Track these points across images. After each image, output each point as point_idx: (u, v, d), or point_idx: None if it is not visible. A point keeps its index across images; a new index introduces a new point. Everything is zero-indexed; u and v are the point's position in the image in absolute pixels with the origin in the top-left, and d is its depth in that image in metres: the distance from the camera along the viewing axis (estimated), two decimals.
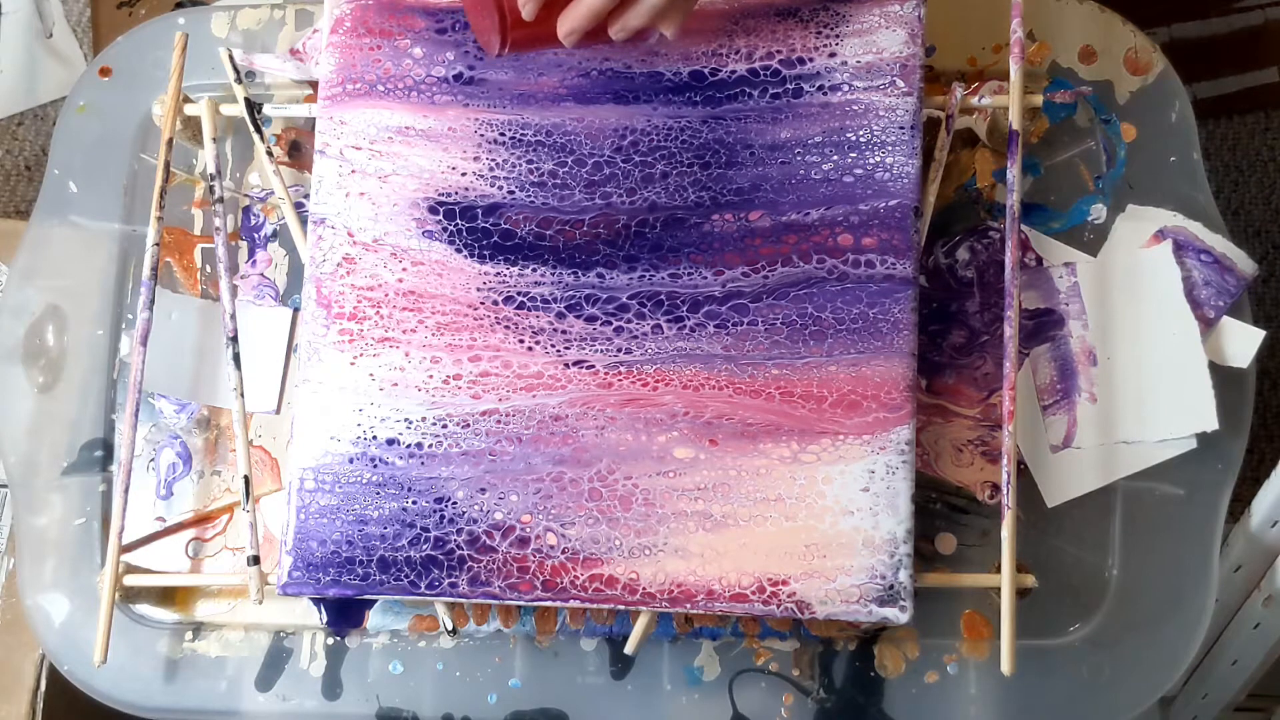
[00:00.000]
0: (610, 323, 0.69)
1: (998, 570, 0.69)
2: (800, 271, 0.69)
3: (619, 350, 0.69)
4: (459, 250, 0.71)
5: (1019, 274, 0.71)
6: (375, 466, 0.69)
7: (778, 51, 0.72)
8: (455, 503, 0.68)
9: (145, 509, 0.76)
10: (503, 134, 0.72)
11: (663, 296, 0.70)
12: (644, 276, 0.70)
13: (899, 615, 0.66)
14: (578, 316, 0.70)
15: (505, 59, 0.72)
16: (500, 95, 0.72)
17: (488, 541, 0.68)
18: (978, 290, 0.75)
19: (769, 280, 0.69)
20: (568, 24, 0.64)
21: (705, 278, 0.70)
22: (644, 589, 0.67)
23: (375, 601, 0.74)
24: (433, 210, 0.71)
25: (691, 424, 0.68)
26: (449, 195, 0.71)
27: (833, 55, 0.71)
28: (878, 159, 0.70)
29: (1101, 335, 0.74)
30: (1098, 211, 0.76)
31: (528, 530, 0.68)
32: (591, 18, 0.64)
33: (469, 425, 0.69)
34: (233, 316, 0.75)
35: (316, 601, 0.74)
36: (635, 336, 0.69)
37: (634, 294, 0.70)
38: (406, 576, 0.68)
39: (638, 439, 0.68)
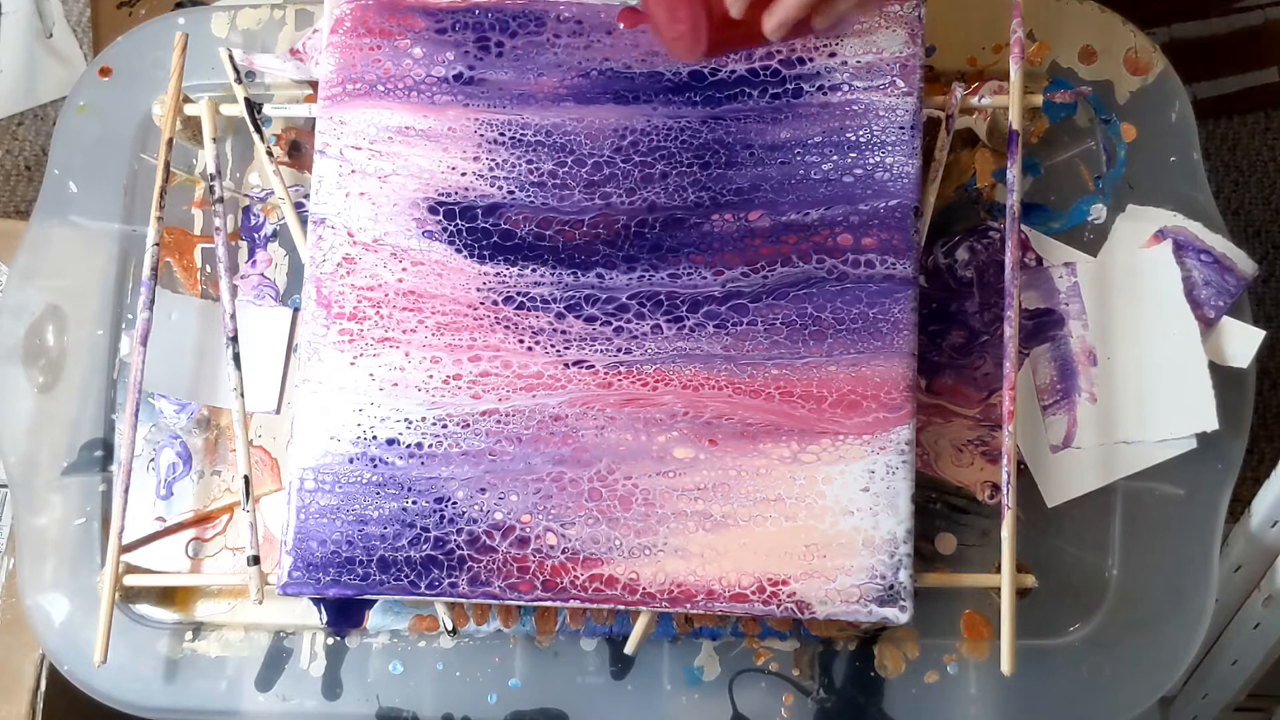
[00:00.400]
0: (610, 323, 0.69)
1: (998, 570, 0.69)
2: (800, 271, 0.69)
3: (619, 350, 0.69)
4: (459, 250, 0.71)
5: (1019, 274, 0.71)
6: (375, 466, 0.69)
7: (777, 51, 0.71)
8: (455, 503, 0.68)
9: (145, 509, 0.76)
10: (502, 134, 0.72)
11: (662, 296, 0.70)
12: (643, 277, 0.70)
13: (899, 615, 0.66)
14: (577, 317, 0.70)
15: (505, 60, 0.72)
16: (500, 95, 0.72)
17: (488, 541, 0.68)
18: (977, 290, 0.75)
19: (768, 280, 0.69)
20: (777, 17, 0.61)
21: (705, 278, 0.70)
22: (644, 589, 0.67)
23: (375, 601, 0.74)
24: (433, 210, 0.71)
25: (691, 424, 0.68)
26: (449, 195, 0.71)
27: (833, 55, 0.71)
28: (877, 159, 0.70)
29: (1101, 335, 0.74)
30: (1098, 211, 0.76)
31: (528, 530, 0.68)
32: (801, 8, 0.61)
33: (469, 425, 0.69)
34: (233, 316, 0.75)
35: (316, 601, 0.74)
36: (635, 336, 0.69)
37: (633, 294, 0.70)
38: (406, 576, 0.68)
39: (637, 439, 0.68)
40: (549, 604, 0.68)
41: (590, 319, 0.69)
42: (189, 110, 0.78)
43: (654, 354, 0.69)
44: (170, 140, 0.76)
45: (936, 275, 0.75)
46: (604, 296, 0.70)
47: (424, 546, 0.68)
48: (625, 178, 0.71)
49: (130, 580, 0.73)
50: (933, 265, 0.75)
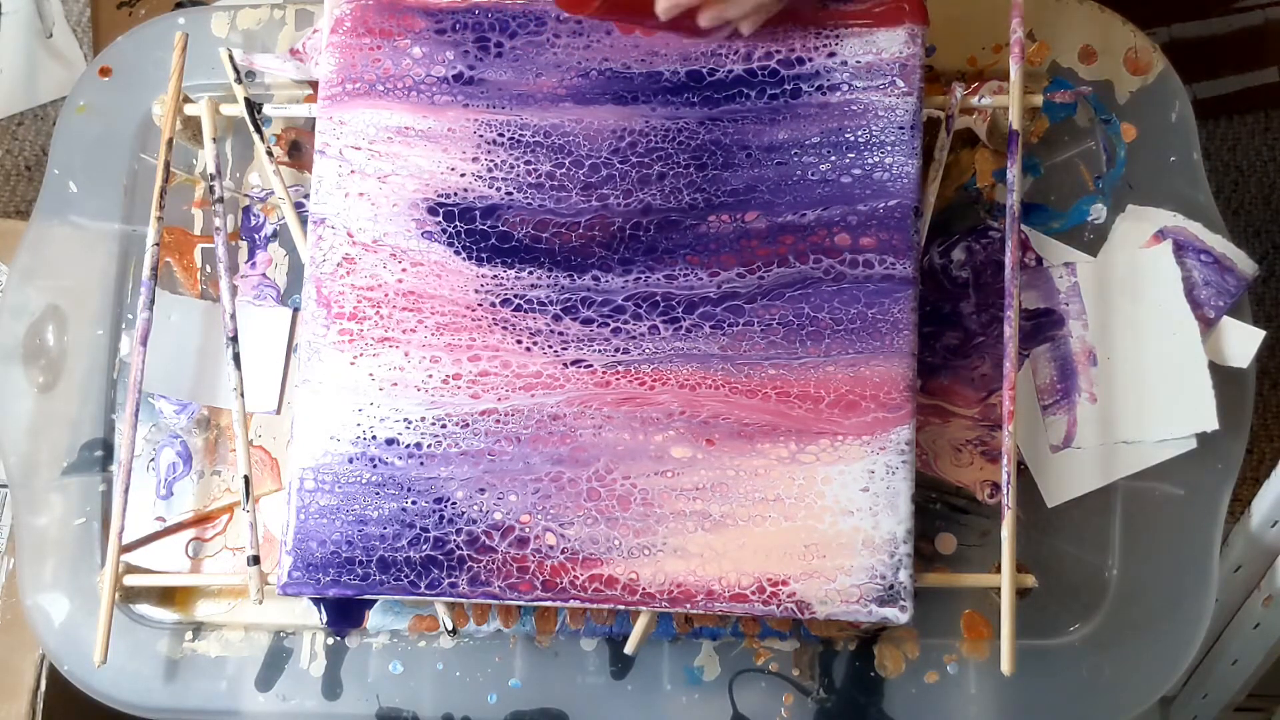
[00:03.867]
0: (607, 324, 0.69)
1: (998, 570, 0.69)
2: (796, 272, 0.69)
3: (616, 350, 0.69)
4: (457, 252, 0.71)
5: (1019, 274, 0.71)
6: (375, 466, 0.69)
7: (777, 51, 0.71)
8: (454, 503, 0.68)
9: (145, 509, 0.76)
10: (501, 134, 0.72)
11: (658, 298, 0.69)
12: (639, 279, 0.70)
13: (899, 615, 0.66)
14: (574, 319, 0.70)
15: (505, 60, 0.72)
16: (500, 95, 0.72)
17: (487, 541, 0.68)
18: (973, 291, 0.75)
19: (764, 281, 0.69)
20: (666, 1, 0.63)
21: (701, 279, 0.70)
22: (644, 589, 0.67)
23: (375, 601, 0.74)
24: (432, 211, 0.71)
25: (688, 423, 0.68)
26: (448, 196, 0.71)
27: (832, 55, 0.71)
28: (876, 159, 0.70)
29: (1101, 335, 0.73)
30: (1098, 211, 0.76)
31: (527, 530, 0.68)
32: None
33: (468, 425, 0.69)
34: (233, 316, 0.75)
35: (316, 601, 0.74)
36: (633, 337, 0.69)
37: (629, 296, 0.70)
38: (406, 576, 0.68)
39: (635, 438, 0.68)
40: (549, 604, 0.68)
41: (587, 321, 0.69)
42: (189, 110, 0.78)
43: (651, 354, 0.69)
44: (170, 140, 0.76)
45: (931, 276, 0.75)
46: (600, 299, 0.70)
47: (424, 547, 0.68)
48: (622, 179, 0.71)
49: (130, 580, 0.74)
50: (928, 266, 0.75)
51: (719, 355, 0.69)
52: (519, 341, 0.70)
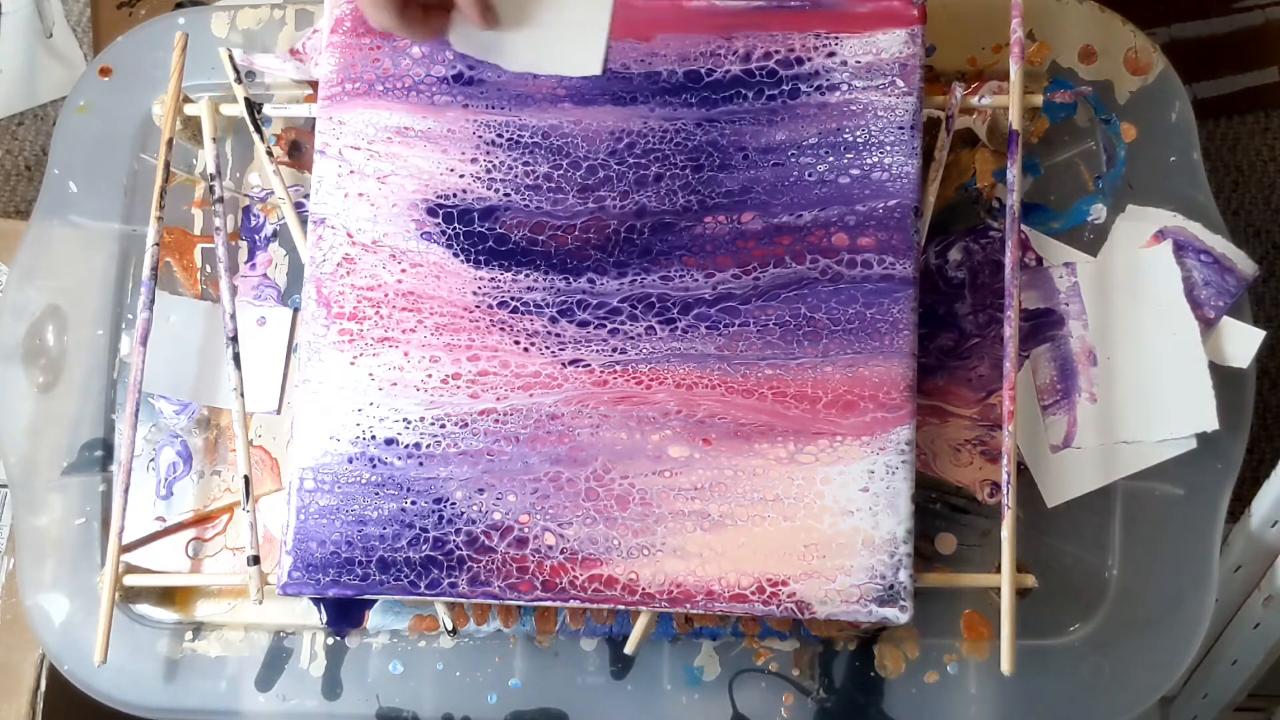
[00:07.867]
0: (604, 325, 0.69)
1: (998, 570, 0.69)
2: (792, 273, 0.69)
3: (614, 350, 0.69)
4: (456, 254, 0.71)
5: (1019, 274, 0.71)
6: (374, 467, 0.69)
7: (775, 52, 0.71)
8: (454, 503, 0.68)
9: (145, 509, 0.76)
10: (500, 135, 0.72)
11: (654, 299, 0.69)
12: (635, 280, 0.70)
13: (899, 615, 0.66)
14: (570, 321, 0.69)
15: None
16: (499, 96, 0.72)
17: (486, 542, 0.68)
18: (969, 292, 0.75)
19: (760, 282, 0.69)
20: None
21: (696, 280, 0.69)
22: (643, 589, 0.67)
23: (375, 601, 0.74)
24: (431, 213, 0.71)
25: (684, 422, 0.68)
26: (447, 198, 0.71)
27: (831, 55, 0.71)
28: (875, 159, 0.70)
29: (1101, 335, 0.73)
30: (1098, 211, 0.76)
31: (526, 530, 0.68)
32: None
33: (467, 425, 0.69)
34: (233, 316, 0.75)
35: (316, 601, 0.74)
36: (630, 338, 0.69)
37: (625, 298, 0.70)
38: (406, 577, 0.68)
39: (632, 437, 0.68)
40: (549, 604, 0.68)
41: (583, 323, 0.69)
42: (189, 110, 0.78)
43: (649, 354, 0.69)
44: (170, 140, 0.76)
45: (926, 276, 0.75)
46: (595, 301, 0.70)
47: (423, 547, 0.68)
48: (619, 180, 0.71)
49: (130, 580, 0.74)
50: (923, 266, 0.75)
51: (715, 355, 0.69)
52: (517, 342, 0.70)
